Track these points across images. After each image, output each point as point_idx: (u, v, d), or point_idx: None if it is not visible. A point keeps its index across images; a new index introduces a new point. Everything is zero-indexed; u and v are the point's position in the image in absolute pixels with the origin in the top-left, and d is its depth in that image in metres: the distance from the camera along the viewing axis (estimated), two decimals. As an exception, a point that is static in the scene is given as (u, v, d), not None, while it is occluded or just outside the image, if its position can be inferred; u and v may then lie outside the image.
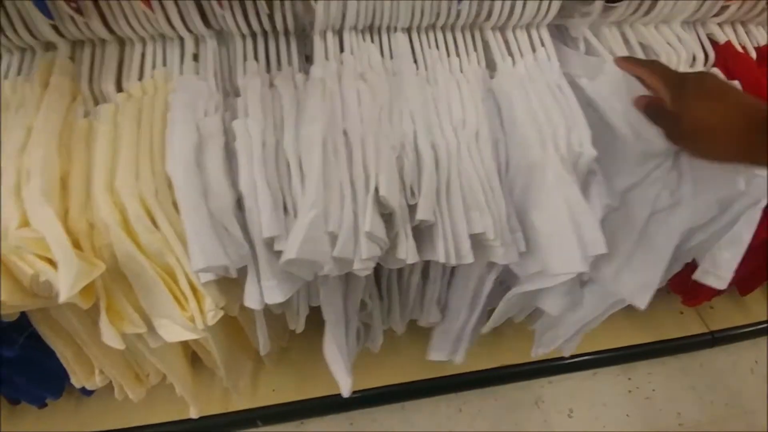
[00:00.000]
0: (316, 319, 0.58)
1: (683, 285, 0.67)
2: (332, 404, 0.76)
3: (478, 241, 0.42)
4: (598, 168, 0.44)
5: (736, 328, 0.90)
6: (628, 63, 0.44)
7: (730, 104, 0.36)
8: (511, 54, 0.48)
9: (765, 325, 0.90)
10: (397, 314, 0.64)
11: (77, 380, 0.55)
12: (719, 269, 0.54)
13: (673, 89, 0.39)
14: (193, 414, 0.59)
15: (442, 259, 0.41)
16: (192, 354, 0.62)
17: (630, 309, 0.50)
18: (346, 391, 0.54)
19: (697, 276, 0.55)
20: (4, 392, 0.61)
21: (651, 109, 0.41)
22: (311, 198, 0.37)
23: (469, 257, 0.42)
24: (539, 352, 0.69)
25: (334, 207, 0.38)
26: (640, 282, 0.48)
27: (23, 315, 0.48)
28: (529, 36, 0.48)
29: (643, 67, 0.42)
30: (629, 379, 0.87)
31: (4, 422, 0.70)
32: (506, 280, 0.55)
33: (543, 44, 0.48)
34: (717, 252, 0.52)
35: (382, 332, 0.65)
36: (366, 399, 0.77)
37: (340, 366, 0.54)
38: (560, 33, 0.53)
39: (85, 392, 0.63)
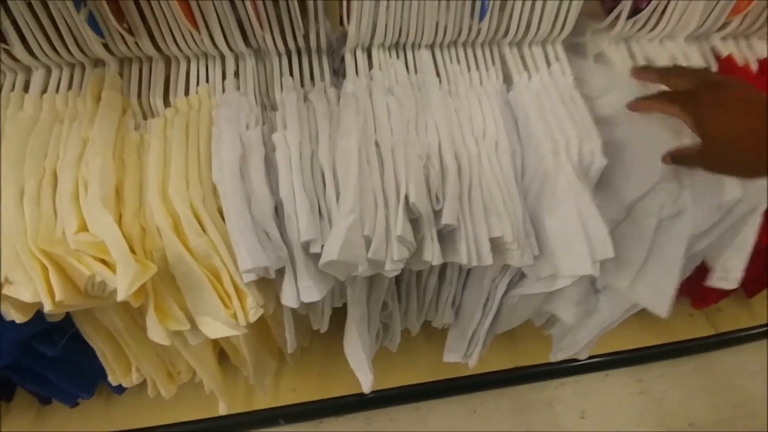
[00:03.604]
0: (334, 321, 0.62)
1: (692, 288, 0.72)
2: (350, 404, 0.80)
3: (496, 245, 0.47)
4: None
5: (744, 330, 0.94)
6: (644, 74, 0.47)
7: (752, 113, 0.37)
8: (527, 69, 0.53)
9: (773, 327, 0.95)
10: (414, 315, 0.68)
11: (115, 378, 0.59)
12: (730, 273, 0.58)
13: (691, 112, 0.40)
14: (222, 409, 0.64)
15: (464, 261, 0.46)
16: (218, 355, 0.66)
17: (641, 312, 0.54)
18: (367, 387, 0.58)
19: (712, 282, 0.59)
20: (39, 391, 0.66)
21: (681, 160, 0.44)
22: (349, 204, 0.41)
23: (488, 259, 0.46)
24: (558, 356, 0.73)
25: (369, 213, 0.42)
26: (656, 290, 0.51)
27: (66, 316, 0.53)
28: (545, 51, 0.53)
29: (659, 77, 0.45)
30: (640, 381, 0.91)
31: (35, 422, 0.74)
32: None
33: (558, 59, 0.53)
34: (727, 259, 0.57)
35: (399, 332, 0.70)
36: (383, 399, 0.81)
37: (362, 363, 0.58)
38: (575, 51, 0.58)
39: (117, 390, 0.67)
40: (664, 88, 0.46)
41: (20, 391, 0.71)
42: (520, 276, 0.56)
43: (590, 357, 0.86)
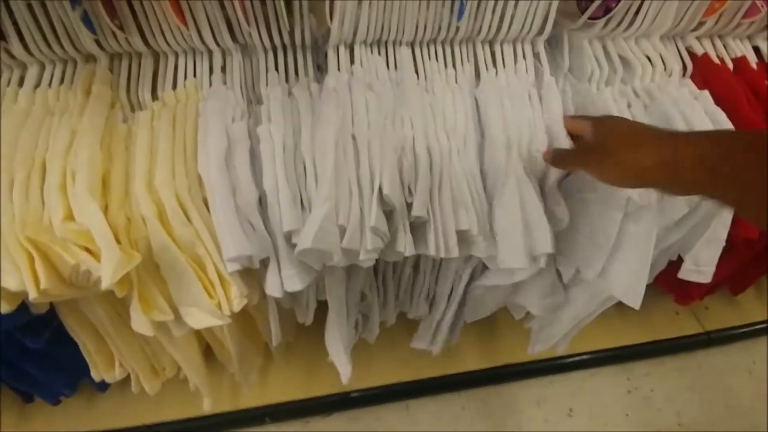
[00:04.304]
0: (321, 319, 0.64)
1: (674, 283, 0.74)
2: (337, 402, 0.82)
3: (463, 237, 0.49)
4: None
5: (732, 328, 0.97)
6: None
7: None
8: (495, 65, 0.56)
9: (760, 326, 0.97)
10: (392, 306, 0.71)
11: (98, 373, 0.60)
12: (701, 266, 0.60)
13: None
14: (207, 405, 0.65)
15: (432, 253, 0.47)
16: (203, 352, 0.67)
17: (627, 310, 0.56)
18: (345, 378, 0.60)
19: (682, 274, 0.62)
20: (22, 386, 0.66)
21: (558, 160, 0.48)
22: (324, 194, 0.44)
23: (455, 251, 0.48)
24: (536, 349, 0.75)
25: (344, 203, 0.45)
26: (629, 281, 0.53)
27: (50, 310, 0.54)
28: (514, 50, 0.56)
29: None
30: (628, 379, 0.93)
31: (17, 422, 0.75)
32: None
33: (524, 57, 0.56)
34: (697, 251, 0.59)
35: (378, 324, 0.72)
36: (370, 397, 0.83)
37: (341, 354, 0.60)
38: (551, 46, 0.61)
39: (101, 387, 0.68)
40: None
41: (3, 391, 0.72)
42: (483, 267, 0.58)
43: (577, 354, 0.89)
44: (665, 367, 0.95)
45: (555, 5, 0.53)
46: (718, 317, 0.98)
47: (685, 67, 0.61)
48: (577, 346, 0.75)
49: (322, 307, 0.63)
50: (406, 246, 0.47)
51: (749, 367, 0.96)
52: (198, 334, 0.63)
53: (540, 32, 0.56)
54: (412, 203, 0.46)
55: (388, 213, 0.47)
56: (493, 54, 0.56)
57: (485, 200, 0.49)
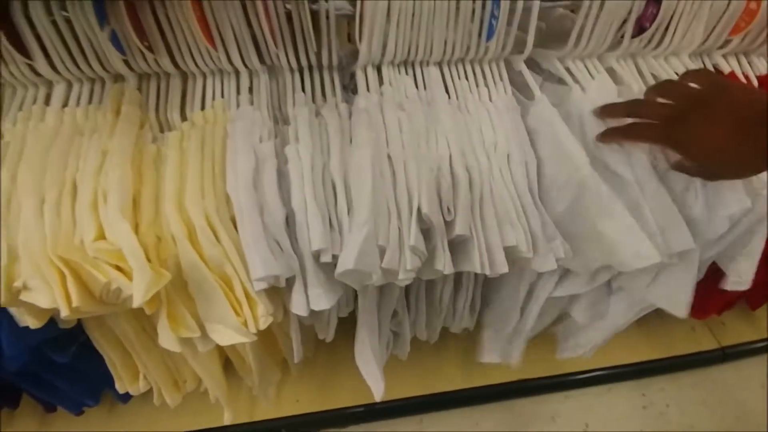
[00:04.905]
0: (338, 332, 0.63)
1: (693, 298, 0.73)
2: (352, 415, 0.80)
3: (511, 253, 0.47)
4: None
5: (747, 344, 0.95)
6: (609, 113, 0.48)
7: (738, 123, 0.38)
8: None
9: (773, 340, 0.96)
10: (423, 323, 0.69)
11: (122, 385, 0.60)
12: (741, 276, 0.60)
13: (672, 141, 0.43)
14: (228, 419, 0.64)
15: (477, 270, 0.46)
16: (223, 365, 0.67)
17: (643, 325, 0.56)
18: (378, 396, 0.59)
19: (729, 286, 0.61)
20: (46, 397, 0.66)
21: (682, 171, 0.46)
22: (364, 215, 0.43)
23: (503, 267, 0.46)
24: (564, 355, 0.74)
25: (383, 223, 0.44)
26: (674, 290, 0.53)
27: (76, 324, 0.54)
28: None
29: (626, 112, 0.47)
30: (643, 395, 0.91)
31: (37, 429, 0.74)
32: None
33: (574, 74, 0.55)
34: (739, 263, 0.59)
35: (409, 340, 0.70)
36: (385, 411, 0.82)
37: (374, 372, 0.59)
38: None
39: (123, 398, 0.68)
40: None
41: (24, 398, 0.71)
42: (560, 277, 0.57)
43: (593, 370, 0.87)
44: (680, 383, 0.93)
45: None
46: (733, 332, 0.96)
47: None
48: (592, 361, 0.74)
49: (341, 323, 0.63)
50: (445, 264, 0.46)
51: (762, 381, 0.94)
52: (219, 348, 0.62)
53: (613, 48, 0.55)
54: (451, 222, 0.45)
55: (426, 231, 0.46)
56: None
57: (537, 216, 0.48)
